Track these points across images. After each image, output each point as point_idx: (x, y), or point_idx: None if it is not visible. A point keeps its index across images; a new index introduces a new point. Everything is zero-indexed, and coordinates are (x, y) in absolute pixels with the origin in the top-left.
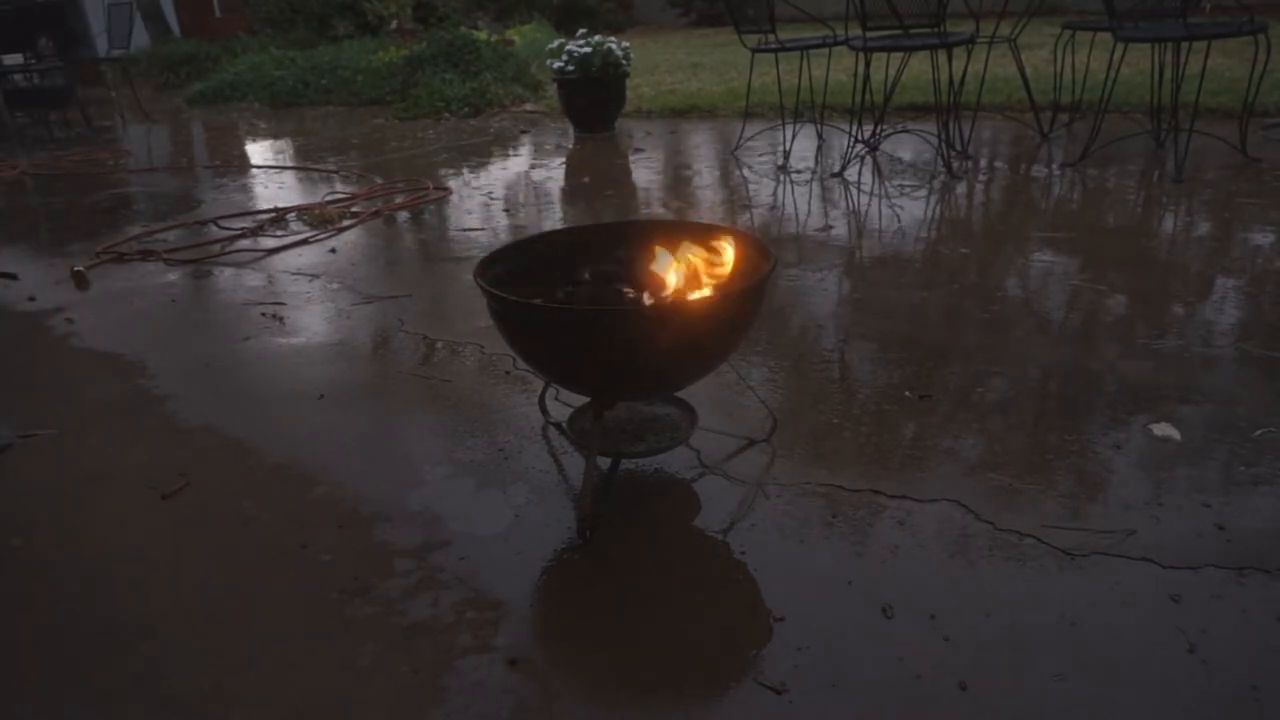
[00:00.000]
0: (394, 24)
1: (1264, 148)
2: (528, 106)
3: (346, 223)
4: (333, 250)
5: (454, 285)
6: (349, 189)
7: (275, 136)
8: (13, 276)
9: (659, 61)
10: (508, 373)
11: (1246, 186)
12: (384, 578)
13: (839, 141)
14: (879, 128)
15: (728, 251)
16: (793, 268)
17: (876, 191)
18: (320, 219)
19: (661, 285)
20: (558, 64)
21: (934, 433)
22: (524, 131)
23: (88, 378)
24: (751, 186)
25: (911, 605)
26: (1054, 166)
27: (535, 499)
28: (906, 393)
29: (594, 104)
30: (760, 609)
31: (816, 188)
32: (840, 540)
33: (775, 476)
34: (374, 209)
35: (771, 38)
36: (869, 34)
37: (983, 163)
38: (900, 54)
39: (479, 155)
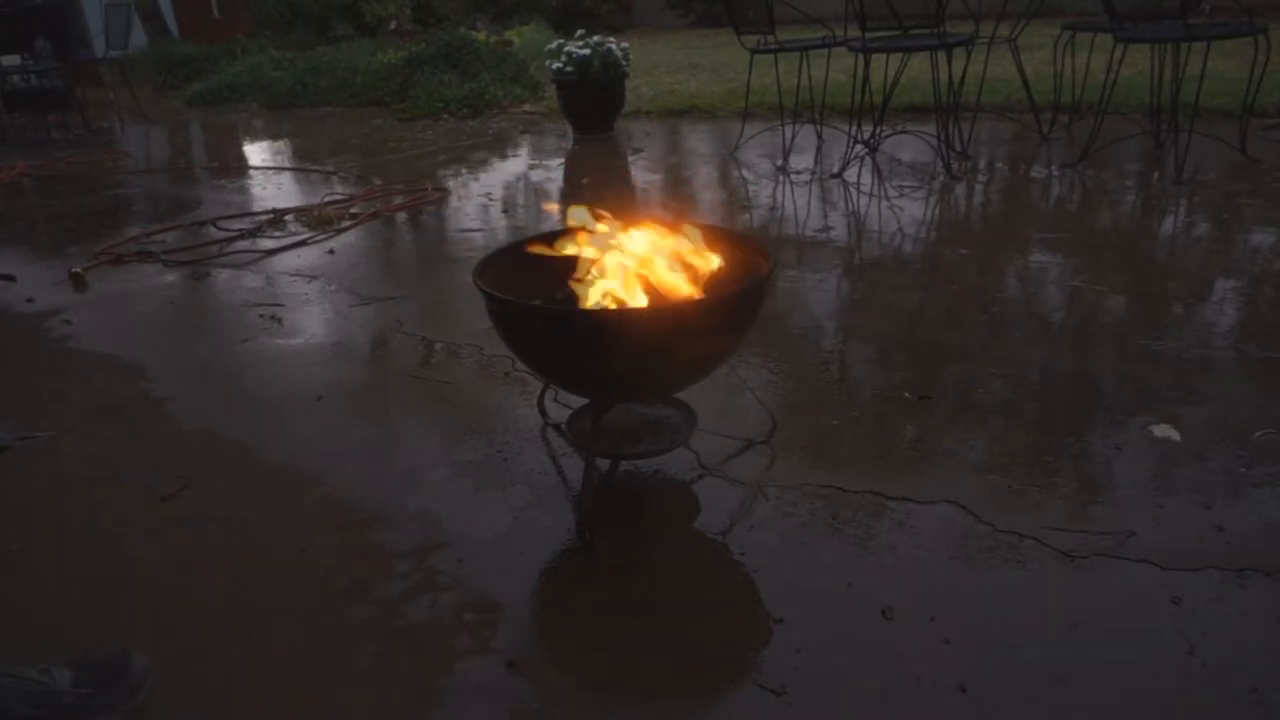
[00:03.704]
0: (393, 25)
1: (1263, 149)
2: (527, 107)
3: (345, 224)
4: (331, 251)
5: (453, 286)
6: (348, 190)
7: (274, 137)
8: (11, 278)
9: (658, 62)
10: (506, 374)
11: (1246, 187)
12: (383, 579)
13: (838, 142)
14: (878, 129)
15: (727, 253)
16: (792, 269)
17: (876, 192)
18: (319, 220)
19: (660, 286)
20: (557, 65)
21: (934, 434)
22: (523, 132)
23: (86, 379)
24: (751, 187)
25: (911, 607)
26: (1053, 167)
27: (534, 500)
28: (906, 394)
29: (593, 105)
30: (760, 610)
31: (816, 189)
32: (840, 542)
33: (775, 478)
34: (373, 210)
35: (771, 39)
36: (868, 35)
37: (982, 164)
38: (899, 55)
39: (478, 156)
